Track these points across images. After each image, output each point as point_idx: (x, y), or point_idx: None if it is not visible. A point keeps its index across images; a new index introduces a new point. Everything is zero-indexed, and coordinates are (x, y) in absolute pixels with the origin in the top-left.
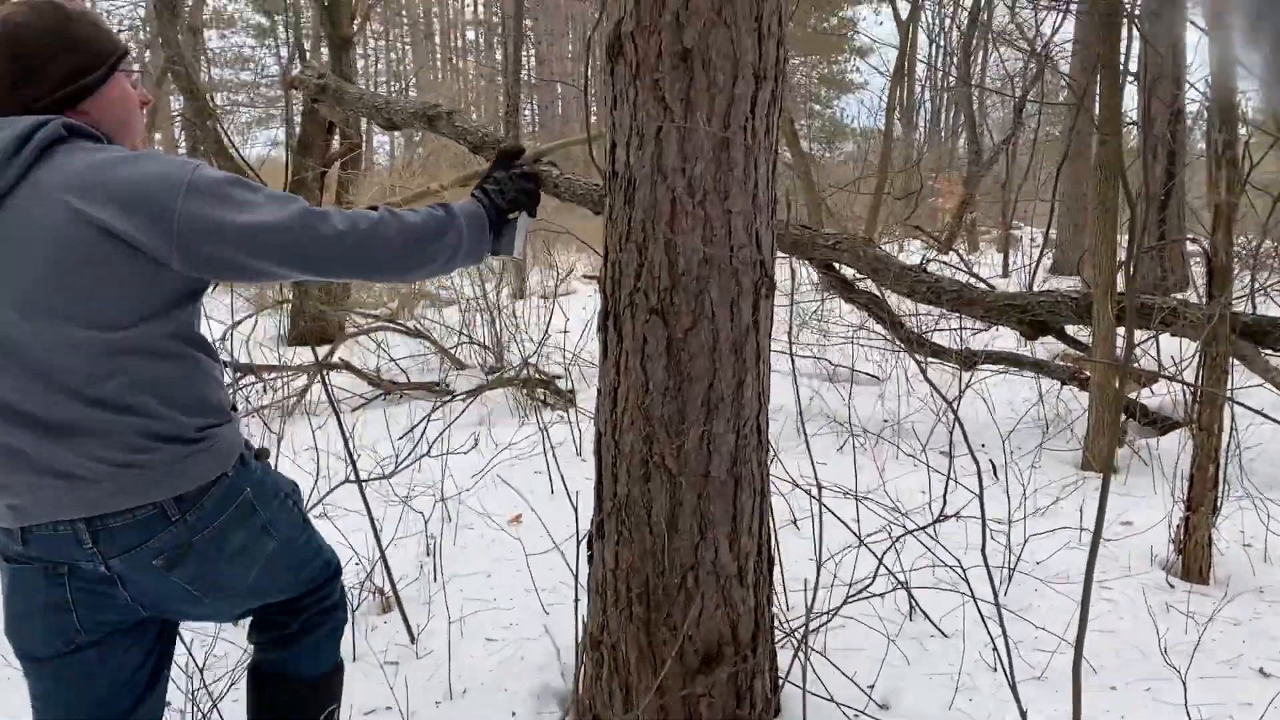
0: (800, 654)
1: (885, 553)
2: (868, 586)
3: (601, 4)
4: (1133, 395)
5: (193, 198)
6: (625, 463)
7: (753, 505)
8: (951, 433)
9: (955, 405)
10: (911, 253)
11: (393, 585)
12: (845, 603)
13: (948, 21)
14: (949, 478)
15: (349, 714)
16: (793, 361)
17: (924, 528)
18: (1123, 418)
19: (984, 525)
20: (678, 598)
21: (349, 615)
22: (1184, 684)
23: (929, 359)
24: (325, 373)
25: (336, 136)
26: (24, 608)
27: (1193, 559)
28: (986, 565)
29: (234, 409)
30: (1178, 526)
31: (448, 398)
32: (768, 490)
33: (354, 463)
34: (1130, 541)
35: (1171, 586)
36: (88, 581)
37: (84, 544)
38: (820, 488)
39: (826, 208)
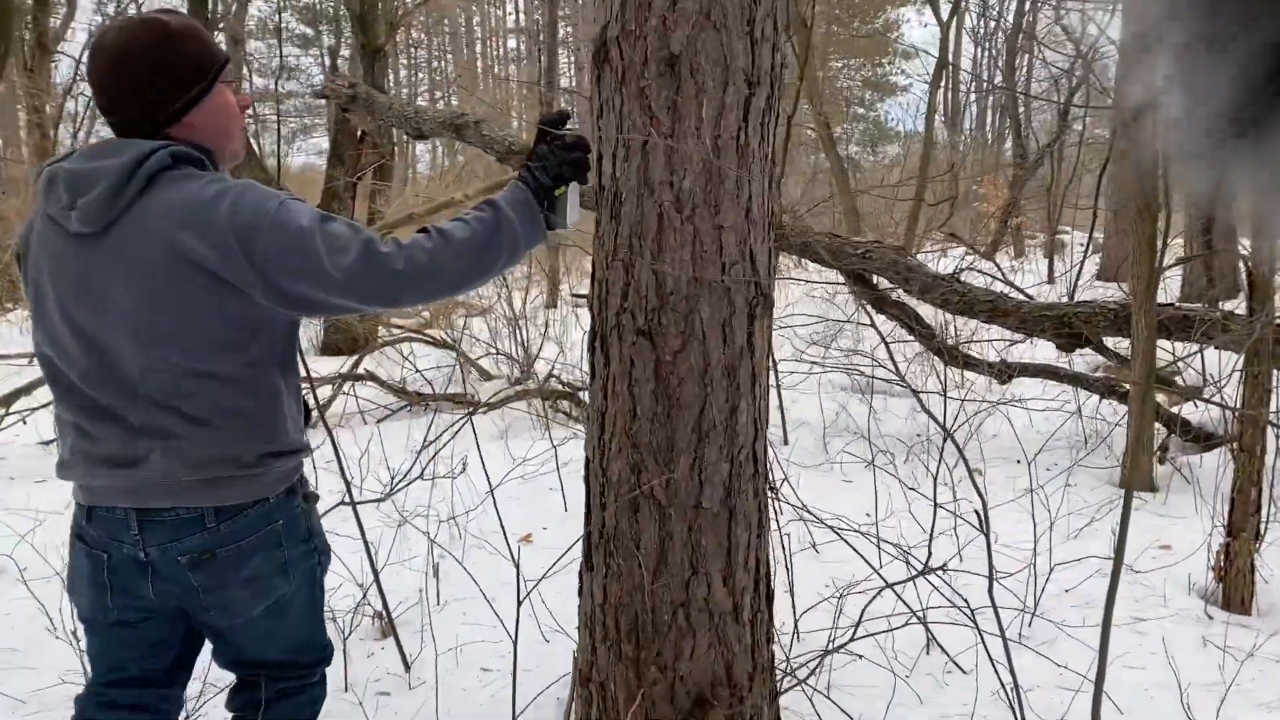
0: (805, 693)
1: (871, 600)
2: (850, 628)
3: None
4: (1175, 410)
5: (276, 235)
6: (613, 492)
7: (748, 539)
8: (955, 463)
9: (973, 433)
10: (952, 260)
11: (387, 611)
12: (844, 643)
13: (992, 24)
14: (956, 515)
15: None
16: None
17: (919, 575)
18: (1164, 433)
19: (990, 569)
20: (668, 635)
21: (324, 696)
22: None
23: (963, 370)
24: (351, 384)
25: (369, 148)
26: (78, 579)
27: (1233, 588)
28: (995, 608)
29: (304, 448)
30: (1218, 553)
31: (469, 410)
32: (766, 521)
33: (348, 484)
34: (1168, 570)
35: (1210, 618)
36: (125, 570)
37: (131, 530)
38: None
39: (858, 214)
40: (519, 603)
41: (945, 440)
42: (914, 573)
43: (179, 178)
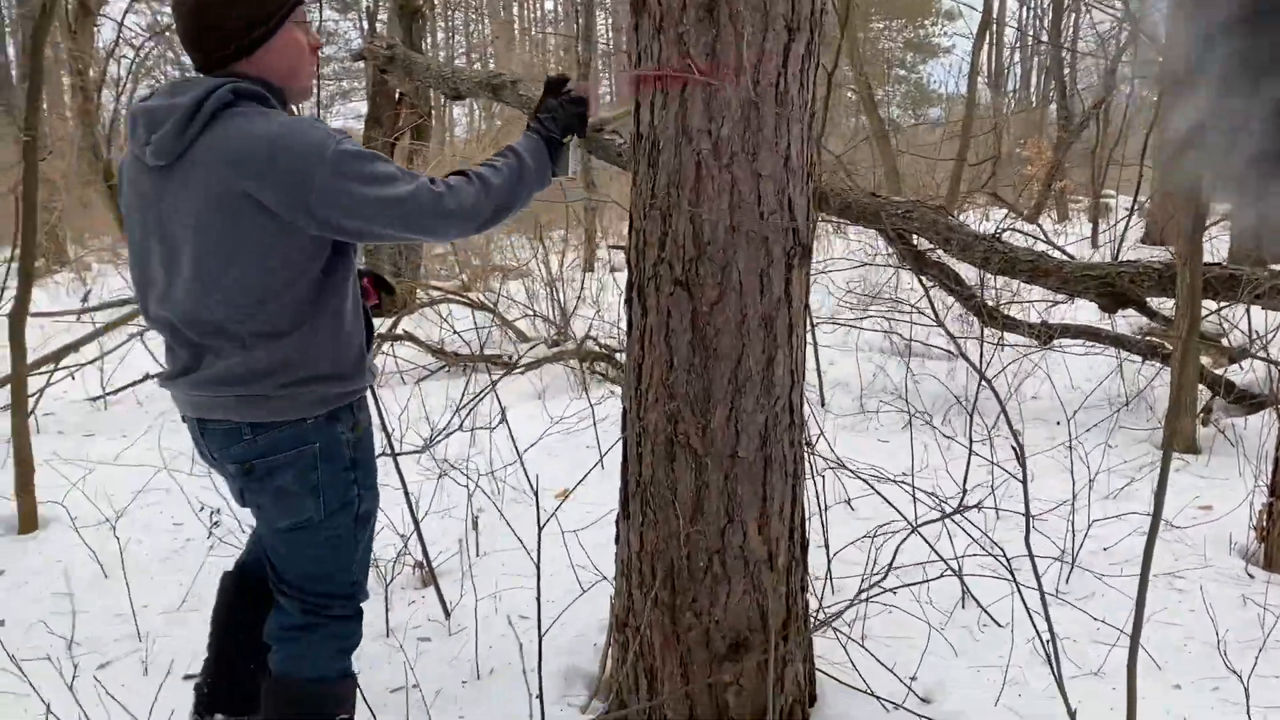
0: (840, 641)
1: (902, 540)
2: (889, 569)
3: None
4: (1220, 371)
5: (331, 170)
6: (649, 441)
7: (784, 488)
8: (993, 415)
9: (1013, 390)
10: (995, 223)
11: (427, 559)
12: (874, 584)
13: None
14: (973, 454)
15: (375, 692)
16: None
17: (950, 515)
18: (1208, 395)
19: (1027, 514)
20: (704, 582)
21: (356, 643)
22: (1245, 687)
23: (1002, 331)
24: (390, 344)
25: (407, 109)
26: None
27: (1275, 548)
28: (1031, 556)
29: (350, 378)
30: (1260, 512)
31: (504, 371)
32: (802, 471)
33: (388, 435)
34: (1208, 528)
35: (1251, 577)
36: (217, 463)
37: (198, 436)
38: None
39: (899, 175)
40: (539, 527)
41: (980, 386)
42: (947, 513)
43: (239, 114)
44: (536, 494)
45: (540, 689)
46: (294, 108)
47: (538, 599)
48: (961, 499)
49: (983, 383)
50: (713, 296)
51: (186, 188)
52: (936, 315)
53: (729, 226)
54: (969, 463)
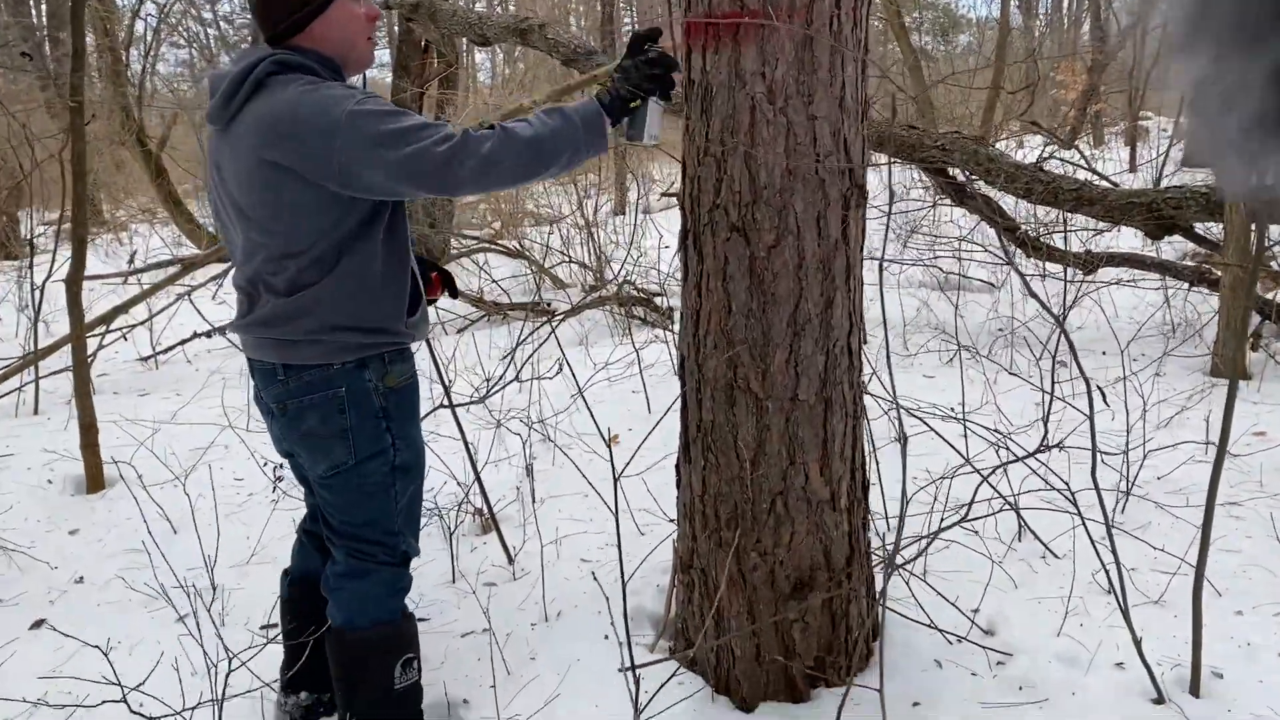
0: (902, 577)
1: (989, 475)
2: (968, 510)
3: None
4: (1270, 296)
5: (349, 129)
6: (709, 387)
7: (845, 429)
8: (1056, 349)
9: (1063, 319)
10: (1030, 150)
11: (489, 507)
12: (942, 527)
13: None
14: (1051, 397)
15: (446, 637)
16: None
17: (1025, 457)
18: (1258, 319)
19: (1094, 452)
20: (767, 523)
21: (407, 586)
22: None
23: (1045, 262)
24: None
25: (434, 57)
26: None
27: None
28: (1098, 490)
29: (386, 331)
30: None
31: (545, 318)
32: (862, 412)
33: (446, 388)
34: (1264, 455)
35: None
36: (265, 409)
37: (251, 375)
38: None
39: (933, 105)
40: (615, 473)
41: (1056, 329)
42: (1019, 456)
43: (281, 83)
44: (604, 437)
45: (627, 628)
46: (350, 77)
47: (618, 542)
48: (1044, 438)
49: (1052, 320)
50: (770, 240)
51: (234, 150)
52: (1007, 253)
53: (785, 170)
54: (1049, 403)
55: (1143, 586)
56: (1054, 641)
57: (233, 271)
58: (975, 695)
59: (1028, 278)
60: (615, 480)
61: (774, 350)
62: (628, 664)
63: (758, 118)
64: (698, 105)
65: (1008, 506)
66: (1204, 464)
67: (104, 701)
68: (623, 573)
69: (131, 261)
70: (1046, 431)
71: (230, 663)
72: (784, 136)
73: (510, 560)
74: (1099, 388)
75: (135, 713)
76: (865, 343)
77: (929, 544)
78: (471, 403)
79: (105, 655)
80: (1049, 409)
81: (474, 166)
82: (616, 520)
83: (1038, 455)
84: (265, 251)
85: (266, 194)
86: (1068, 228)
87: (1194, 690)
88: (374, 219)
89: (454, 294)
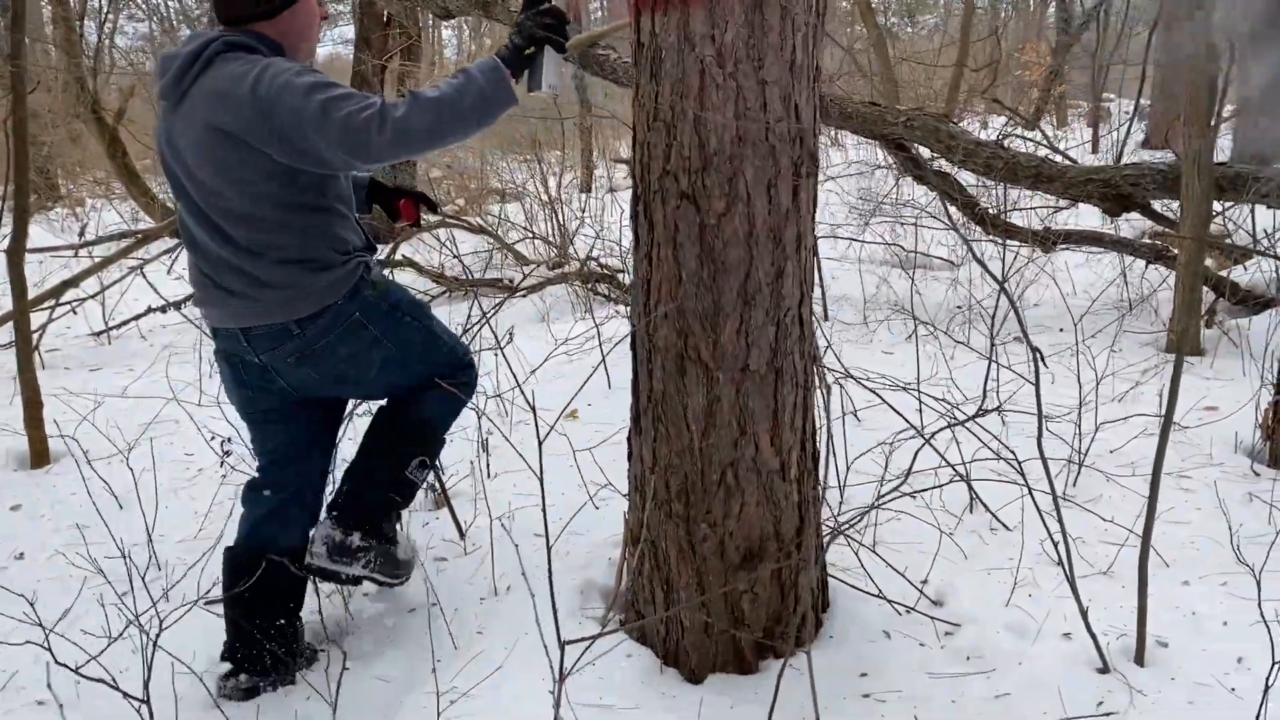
0: (851, 547)
1: (931, 439)
2: (907, 476)
3: None
4: (1224, 273)
5: (284, 101)
6: (660, 358)
7: (795, 399)
8: (1000, 321)
9: (1004, 280)
10: (994, 130)
11: (441, 483)
12: (883, 495)
13: None
14: (992, 362)
15: (394, 613)
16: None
17: (965, 421)
18: (1212, 297)
19: (1040, 417)
20: (717, 494)
21: (468, 401)
22: (1258, 581)
23: (1004, 240)
24: (390, 270)
25: (395, 30)
26: (227, 385)
27: None
28: (1043, 458)
29: (353, 253)
30: (1265, 410)
31: (508, 294)
32: (812, 383)
33: None
34: (1214, 428)
35: (1257, 474)
36: (254, 371)
37: (243, 343)
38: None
39: (897, 84)
40: (539, 443)
41: (998, 293)
42: (962, 419)
43: (229, 60)
44: (534, 411)
45: (553, 598)
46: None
47: (543, 505)
48: (982, 403)
49: (997, 288)
50: (720, 208)
51: (187, 123)
52: (950, 218)
53: (735, 136)
54: (989, 369)
55: (1092, 558)
56: (1003, 612)
57: (190, 249)
58: (923, 665)
59: (980, 252)
60: (539, 443)
61: (724, 320)
62: (569, 637)
63: (707, 82)
64: (647, 69)
65: (958, 477)
66: (1155, 438)
67: (27, 641)
68: (548, 537)
69: (82, 234)
70: (985, 395)
71: (159, 628)
72: (734, 101)
73: (461, 535)
74: (1036, 350)
75: (60, 663)
76: (817, 316)
77: (865, 513)
78: None
79: (31, 605)
80: (988, 375)
81: (390, 133)
82: (541, 487)
83: (977, 419)
84: (222, 216)
85: (222, 159)
86: (1030, 205)
87: (1139, 659)
88: (320, 177)
89: (433, 208)
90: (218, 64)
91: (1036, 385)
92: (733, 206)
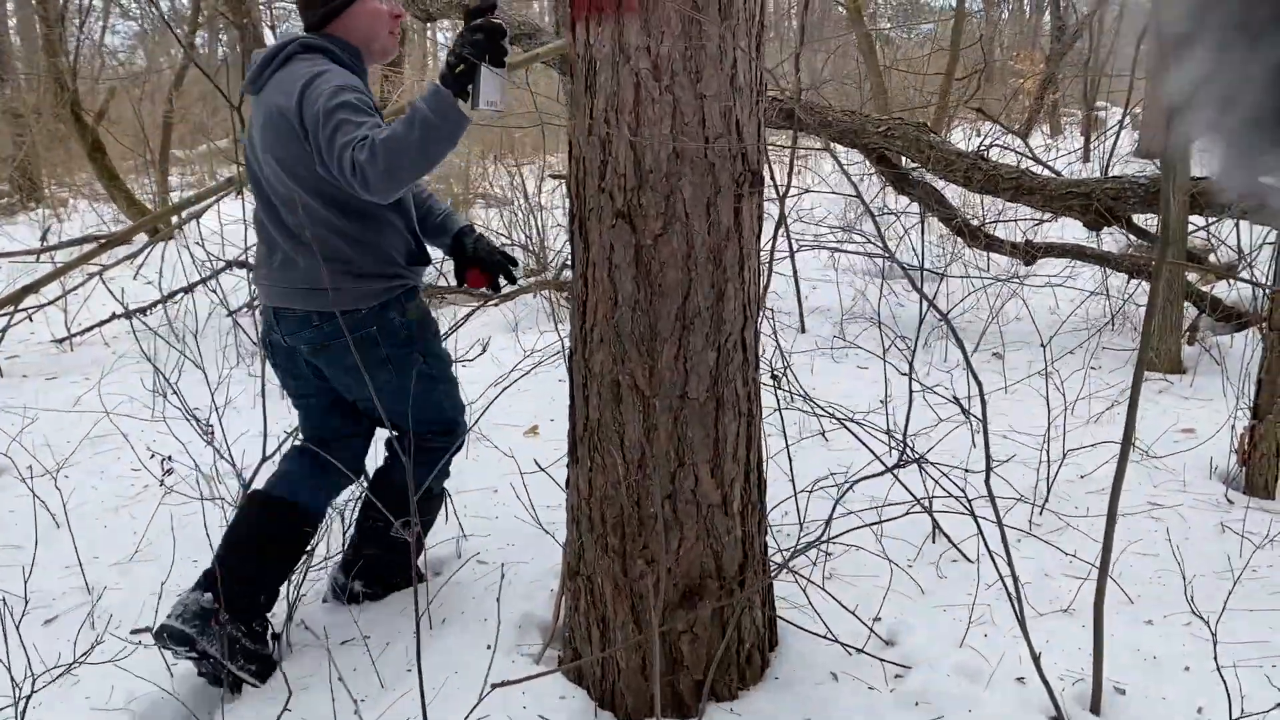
0: (800, 586)
1: (857, 482)
2: (829, 526)
3: None
4: (1206, 288)
5: (324, 117)
6: (596, 384)
7: (738, 428)
8: (979, 336)
9: (947, 315)
10: (986, 138)
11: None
12: (829, 536)
13: None
14: (926, 390)
15: (322, 649)
16: None
17: (880, 474)
18: (1194, 314)
19: (987, 458)
20: (654, 528)
21: (458, 448)
22: (1213, 632)
23: (987, 252)
24: None
25: None
26: (270, 363)
27: (1257, 472)
28: (992, 498)
29: (396, 276)
30: (1242, 435)
31: (477, 305)
32: (758, 411)
33: None
34: (1189, 453)
35: (1230, 503)
36: (283, 354)
37: (273, 322)
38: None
39: (886, 91)
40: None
41: (997, 310)
42: (906, 460)
43: (301, 60)
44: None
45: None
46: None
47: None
48: (903, 450)
49: (946, 314)
50: (656, 228)
51: (263, 109)
52: (884, 242)
53: (672, 152)
54: (910, 408)
55: (1054, 593)
56: (955, 653)
57: (256, 229)
58: (870, 711)
59: (949, 262)
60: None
61: (661, 345)
62: (503, 677)
63: (642, 95)
64: (582, 81)
65: (919, 508)
66: (1130, 462)
67: None
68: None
69: (44, 239)
70: (910, 436)
71: (34, 687)
72: (671, 116)
73: None
74: (979, 382)
75: None
76: (795, 330)
77: (809, 548)
78: None
79: None
80: (909, 417)
81: (377, 175)
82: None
83: (894, 471)
84: (280, 200)
85: (283, 148)
86: (1015, 218)
87: (1094, 708)
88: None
89: (510, 278)
90: (292, 63)
91: (983, 423)
92: (670, 226)
